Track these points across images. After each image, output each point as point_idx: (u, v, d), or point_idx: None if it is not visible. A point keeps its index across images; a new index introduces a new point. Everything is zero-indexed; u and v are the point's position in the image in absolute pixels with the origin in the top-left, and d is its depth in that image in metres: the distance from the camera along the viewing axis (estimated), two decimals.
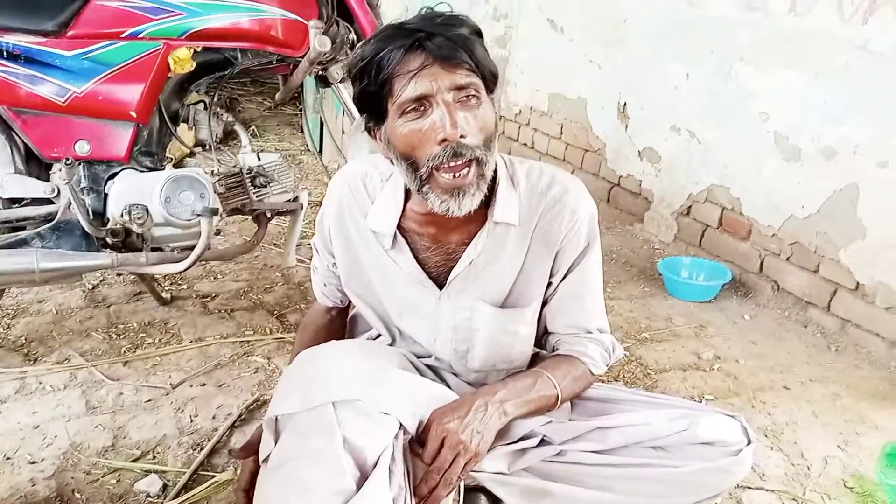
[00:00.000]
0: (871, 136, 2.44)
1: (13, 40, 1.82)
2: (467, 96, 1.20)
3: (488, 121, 1.23)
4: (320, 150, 4.16)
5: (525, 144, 4.53)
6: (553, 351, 1.55)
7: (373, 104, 1.25)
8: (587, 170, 3.97)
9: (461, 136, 1.18)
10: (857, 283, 2.54)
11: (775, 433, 1.99)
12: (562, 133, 4.15)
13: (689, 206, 3.27)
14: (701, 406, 1.65)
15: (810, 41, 2.61)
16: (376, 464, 1.16)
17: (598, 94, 3.80)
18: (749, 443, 1.48)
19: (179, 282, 2.60)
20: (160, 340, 2.22)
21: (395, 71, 1.18)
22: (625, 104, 3.60)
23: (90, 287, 2.51)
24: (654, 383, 2.19)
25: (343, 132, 3.64)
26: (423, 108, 1.19)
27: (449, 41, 1.17)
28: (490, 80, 1.25)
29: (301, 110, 3.98)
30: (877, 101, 2.40)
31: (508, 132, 4.72)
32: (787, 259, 2.81)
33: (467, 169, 1.22)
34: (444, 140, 1.18)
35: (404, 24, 1.21)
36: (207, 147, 2.20)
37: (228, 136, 3.67)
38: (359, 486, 1.12)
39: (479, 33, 1.26)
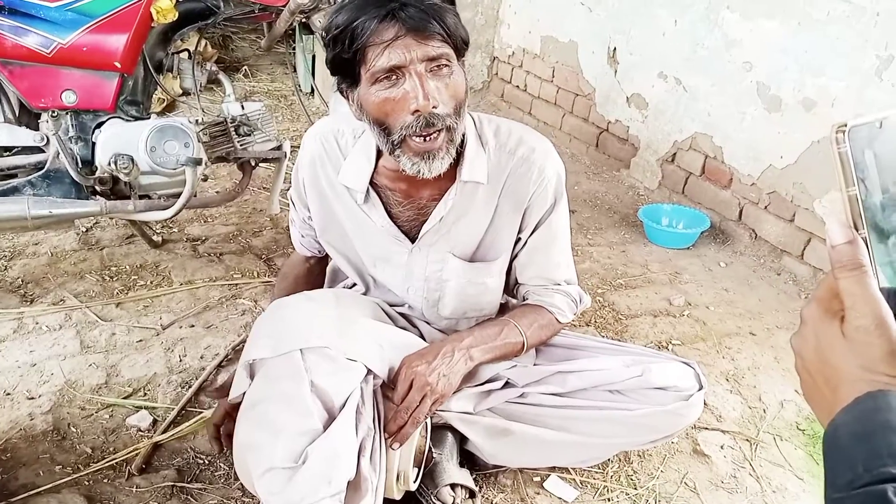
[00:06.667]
0: (848, 88, 2.46)
1: None
2: (439, 66, 1.24)
3: (459, 89, 1.28)
4: (311, 92, 4.17)
5: (517, 87, 4.53)
6: (523, 300, 1.63)
7: (346, 69, 1.29)
8: (577, 114, 3.99)
9: (433, 107, 1.23)
10: None
11: (736, 377, 2.10)
12: (553, 76, 4.15)
13: (674, 154, 3.31)
14: (658, 353, 1.74)
15: None
16: (343, 406, 1.26)
17: (589, 38, 3.79)
18: (701, 388, 1.59)
19: (170, 225, 2.67)
20: (151, 283, 2.31)
21: (368, 41, 1.21)
22: (614, 49, 3.60)
23: (84, 230, 2.59)
24: (624, 328, 2.28)
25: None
26: (395, 77, 1.23)
27: (421, 12, 1.20)
28: (461, 47, 1.29)
29: (293, 50, 3.97)
30: (855, 54, 2.42)
31: (501, 73, 4.71)
32: (765, 208, 2.87)
33: (438, 135, 1.27)
34: (417, 111, 1.23)
35: None
36: (192, 95, 2.23)
37: (213, 84, 3.68)
38: (326, 427, 1.22)
39: (451, 1, 1.29)
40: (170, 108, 3.72)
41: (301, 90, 4.16)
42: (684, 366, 1.62)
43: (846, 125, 0.59)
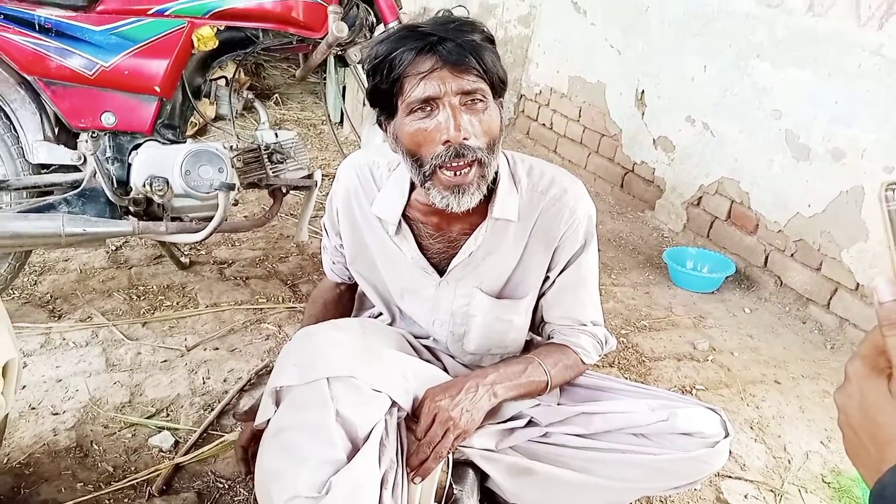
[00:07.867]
0: (879, 140, 2.46)
1: (45, 14, 1.90)
2: (473, 100, 1.26)
3: (493, 125, 1.29)
4: (340, 122, 4.22)
5: (544, 125, 4.57)
6: (548, 339, 1.62)
7: (384, 100, 1.31)
8: (603, 154, 4.00)
9: (464, 139, 1.25)
10: (858, 283, 2.59)
11: (761, 426, 2.06)
12: (580, 116, 4.18)
13: (700, 197, 3.31)
14: (684, 398, 1.72)
15: (826, 42, 2.63)
16: (368, 437, 1.25)
17: (617, 80, 3.82)
18: (727, 436, 1.56)
19: (198, 247, 2.70)
20: (178, 304, 2.33)
21: (405, 71, 1.24)
22: (642, 92, 3.62)
23: (113, 248, 2.62)
24: (647, 371, 2.26)
25: (364, 105, 3.70)
26: (430, 108, 1.25)
27: (459, 47, 1.23)
28: (498, 85, 1.30)
29: (324, 80, 4.04)
30: (887, 106, 2.42)
31: (528, 112, 4.75)
32: (792, 255, 2.85)
33: (469, 168, 1.28)
34: (448, 141, 1.25)
35: (418, 27, 1.28)
36: (226, 120, 2.27)
37: (246, 111, 3.75)
38: (349, 458, 1.21)
39: (490, 40, 1.31)
40: (201, 132, 3.78)
41: (331, 120, 4.22)
42: (710, 412, 1.59)
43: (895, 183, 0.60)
